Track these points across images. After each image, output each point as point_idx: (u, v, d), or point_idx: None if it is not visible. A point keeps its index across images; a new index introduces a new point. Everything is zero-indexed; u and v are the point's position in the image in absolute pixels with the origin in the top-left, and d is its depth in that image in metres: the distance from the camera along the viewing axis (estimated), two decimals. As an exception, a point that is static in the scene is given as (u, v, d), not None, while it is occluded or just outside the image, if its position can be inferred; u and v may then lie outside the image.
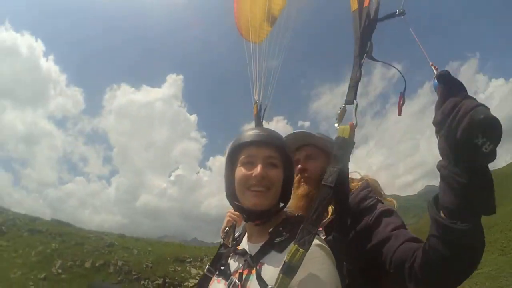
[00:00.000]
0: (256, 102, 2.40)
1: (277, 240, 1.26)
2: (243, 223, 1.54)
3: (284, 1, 2.64)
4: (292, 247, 1.13)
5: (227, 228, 1.71)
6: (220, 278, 1.37)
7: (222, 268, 1.40)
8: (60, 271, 23.74)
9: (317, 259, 1.17)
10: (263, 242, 1.31)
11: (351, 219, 1.48)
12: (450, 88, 0.96)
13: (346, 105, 1.34)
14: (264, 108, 2.40)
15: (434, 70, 1.09)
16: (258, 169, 1.29)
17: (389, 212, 1.47)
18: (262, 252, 1.28)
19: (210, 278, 1.46)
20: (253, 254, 1.30)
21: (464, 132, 0.88)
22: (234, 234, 1.60)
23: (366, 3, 1.34)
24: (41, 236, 26.76)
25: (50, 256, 24.68)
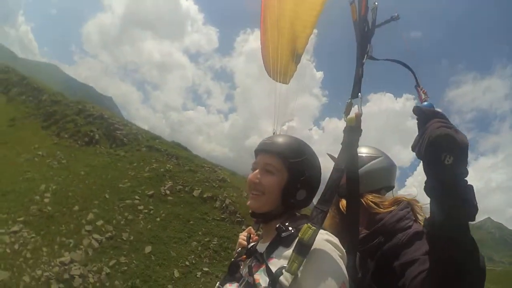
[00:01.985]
0: (274, 133, 2.23)
1: (283, 234, 1.29)
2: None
3: (308, 39, 2.62)
4: (304, 226, 1.18)
5: (239, 249, 1.76)
6: (233, 283, 1.39)
7: (235, 275, 1.42)
8: (168, 192, 22.44)
9: (323, 252, 1.18)
10: (272, 239, 1.35)
11: (387, 234, 1.60)
12: (423, 119, 1.11)
13: (352, 99, 1.47)
14: None
15: (422, 94, 1.31)
16: (250, 175, 1.46)
17: (422, 234, 1.48)
18: (271, 248, 1.31)
19: None
20: (262, 252, 1.34)
21: (426, 150, 1.04)
22: (248, 246, 1.60)
23: (363, 13, 1.50)
24: (158, 154, 26.13)
25: (162, 175, 23.62)
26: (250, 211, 1.47)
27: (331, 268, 1.15)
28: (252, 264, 1.33)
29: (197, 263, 17.56)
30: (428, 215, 1.50)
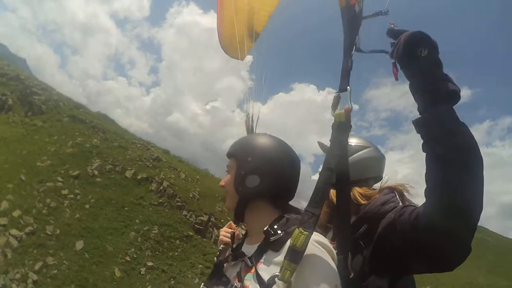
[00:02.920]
0: (248, 115, 2.20)
1: (272, 238, 1.26)
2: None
3: (267, 18, 2.61)
4: (295, 231, 1.14)
5: (222, 246, 1.71)
6: (220, 287, 1.35)
7: (221, 278, 1.39)
8: (96, 172, 19.81)
9: (314, 256, 1.16)
10: (260, 242, 1.31)
11: (372, 220, 1.58)
12: (395, 36, 1.24)
13: (340, 93, 1.39)
14: (257, 119, 2.18)
15: (392, 25, 1.33)
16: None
17: (411, 207, 1.45)
18: (260, 252, 1.28)
19: None
20: (250, 255, 1.30)
21: (403, 49, 1.17)
22: (232, 246, 1.58)
23: (352, 1, 1.43)
24: (83, 126, 22.83)
25: (89, 152, 20.74)
26: None
27: (323, 271, 1.14)
28: (240, 269, 1.29)
29: (139, 257, 15.94)
30: (414, 201, 1.65)
